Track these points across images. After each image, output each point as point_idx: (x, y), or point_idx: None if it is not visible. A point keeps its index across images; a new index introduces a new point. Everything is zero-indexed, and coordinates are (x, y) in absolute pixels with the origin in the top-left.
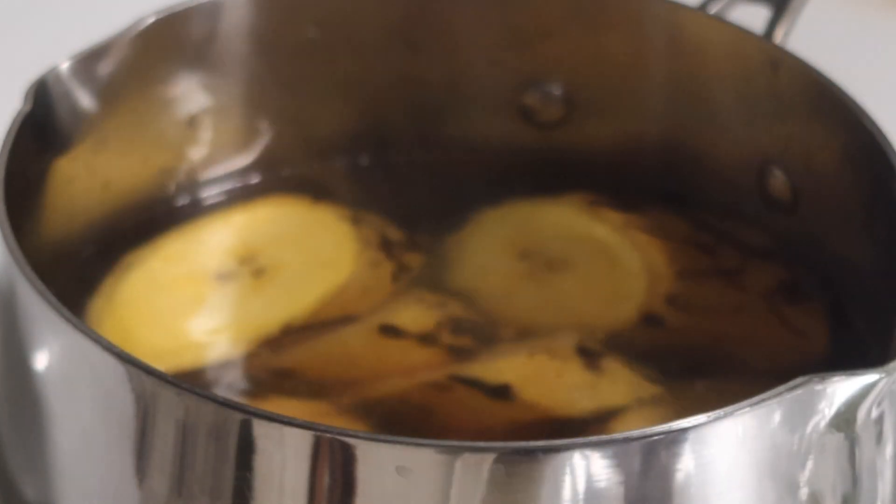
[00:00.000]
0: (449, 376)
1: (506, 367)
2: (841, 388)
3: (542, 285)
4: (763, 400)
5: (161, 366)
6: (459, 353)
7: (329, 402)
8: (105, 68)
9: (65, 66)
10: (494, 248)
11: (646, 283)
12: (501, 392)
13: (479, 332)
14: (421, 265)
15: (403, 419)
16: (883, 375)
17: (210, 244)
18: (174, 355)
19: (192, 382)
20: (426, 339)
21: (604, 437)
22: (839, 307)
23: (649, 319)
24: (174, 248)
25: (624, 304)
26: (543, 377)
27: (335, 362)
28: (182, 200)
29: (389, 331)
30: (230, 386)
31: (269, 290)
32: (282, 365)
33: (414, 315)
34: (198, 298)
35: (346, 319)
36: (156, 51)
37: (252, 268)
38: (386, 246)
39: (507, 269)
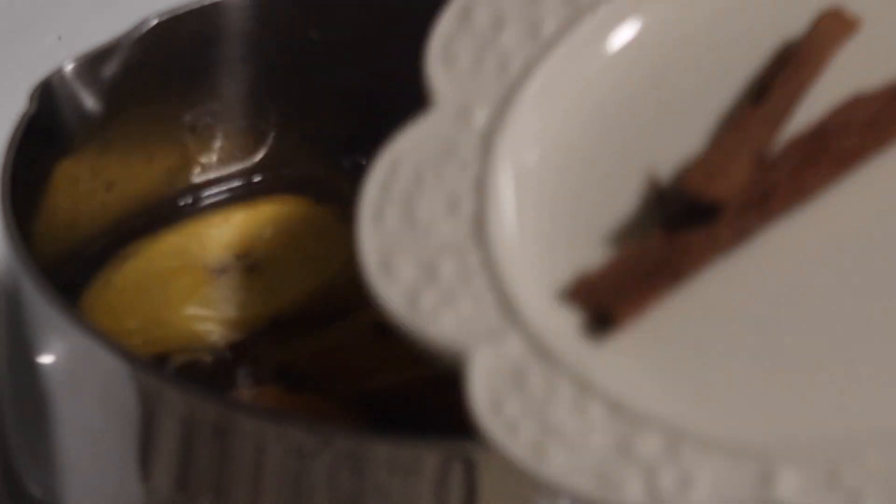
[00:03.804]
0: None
1: None
2: None
3: None
4: None
5: (147, 355)
6: None
7: (322, 395)
8: (109, 70)
9: (69, 67)
10: None
11: None
12: None
13: None
14: None
15: (400, 413)
16: None
17: (208, 240)
18: (162, 345)
19: (170, 371)
20: None
21: None
22: None
23: None
24: (172, 242)
25: None
26: None
27: (327, 357)
28: (184, 199)
29: (380, 328)
30: (216, 377)
31: (259, 284)
32: (272, 357)
33: None
34: (190, 290)
35: (337, 315)
36: (159, 52)
37: (246, 262)
38: None
39: None
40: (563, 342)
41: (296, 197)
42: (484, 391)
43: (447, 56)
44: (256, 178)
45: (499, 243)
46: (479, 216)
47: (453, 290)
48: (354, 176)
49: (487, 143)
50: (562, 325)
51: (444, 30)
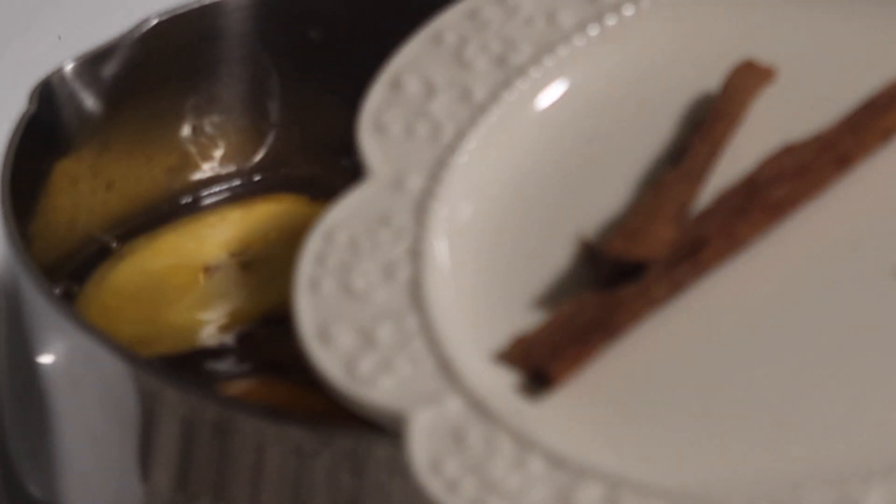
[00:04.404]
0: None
1: None
2: None
3: None
4: None
5: (141, 352)
6: None
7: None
8: (109, 70)
9: (69, 67)
10: None
11: None
12: None
13: None
14: None
15: None
16: None
17: (204, 238)
18: (155, 342)
19: (170, 370)
20: None
21: None
22: None
23: None
24: (168, 241)
25: None
26: None
27: None
28: (184, 199)
29: None
30: (207, 373)
31: (252, 282)
32: (264, 354)
33: None
34: (185, 288)
35: None
36: (159, 52)
37: (240, 260)
38: None
39: None
40: (502, 401)
41: (292, 196)
42: (423, 452)
43: (378, 126)
44: (256, 178)
45: (436, 307)
46: (415, 281)
47: (391, 354)
48: (354, 176)
49: (422, 208)
50: (500, 385)
51: (374, 100)
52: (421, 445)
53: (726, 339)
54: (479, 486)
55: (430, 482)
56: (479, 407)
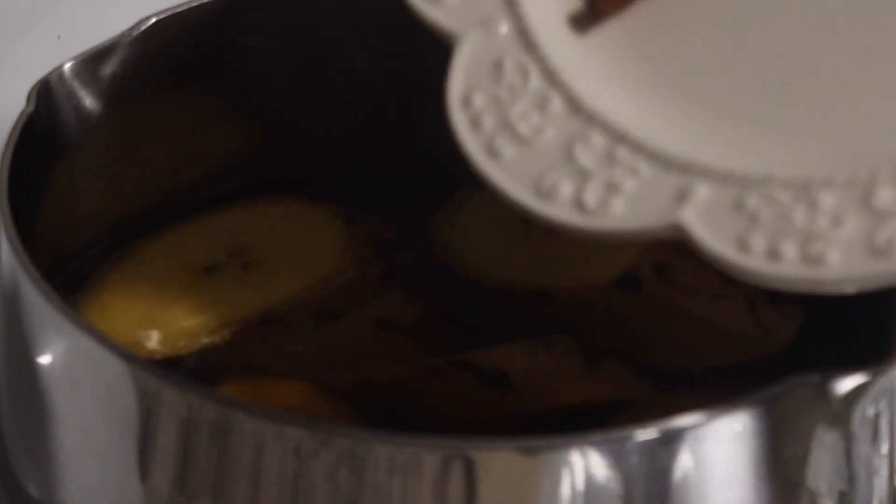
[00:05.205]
0: (444, 361)
1: (502, 356)
2: (838, 386)
3: (534, 246)
4: (761, 397)
5: (140, 354)
6: (451, 345)
7: (317, 385)
8: (108, 69)
9: (68, 66)
10: (486, 228)
11: (638, 247)
12: (497, 379)
13: (469, 323)
14: (411, 262)
15: (395, 403)
16: (879, 374)
17: (203, 239)
18: (154, 343)
19: (169, 370)
20: (415, 332)
21: (602, 434)
22: (834, 306)
23: (628, 281)
24: (167, 242)
25: (612, 261)
26: (539, 368)
27: (322, 351)
28: (184, 199)
29: (382, 324)
30: (206, 373)
31: (252, 282)
32: (263, 354)
33: (403, 309)
34: (183, 289)
35: (332, 313)
36: (158, 51)
37: (240, 261)
38: (376, 243)
39: (497, 241)
40: (546, 32)
41: (291, 196)
42: (461, 80)
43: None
44: (255, 178)
45: None
46: None
47: None
48: (351, 175)
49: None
50: (550, 14)
51: None
52: (461, 71)
53: (761, 29)
54: (497, 123)
55: (458, 115)
56: (524, 35)
